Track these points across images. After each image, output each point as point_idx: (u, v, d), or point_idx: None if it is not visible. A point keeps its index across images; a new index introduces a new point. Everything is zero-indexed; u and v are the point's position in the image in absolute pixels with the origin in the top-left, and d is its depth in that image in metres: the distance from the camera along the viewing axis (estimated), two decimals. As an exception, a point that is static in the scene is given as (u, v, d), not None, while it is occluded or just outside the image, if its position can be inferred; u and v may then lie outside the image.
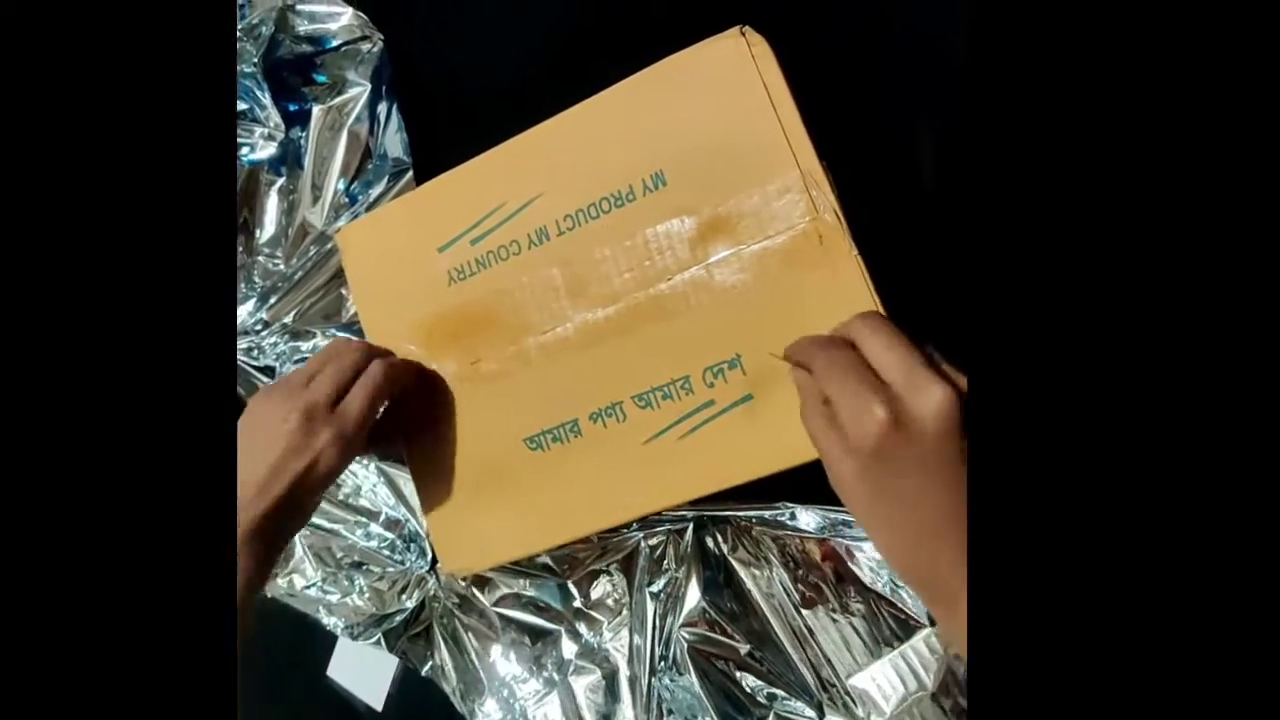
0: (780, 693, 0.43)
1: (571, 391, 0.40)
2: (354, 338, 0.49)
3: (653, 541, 0.47)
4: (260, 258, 0.57)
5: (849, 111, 0.39)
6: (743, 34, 0.37)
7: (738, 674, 0.44)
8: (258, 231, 0.57)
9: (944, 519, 0.28)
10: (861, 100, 0.42)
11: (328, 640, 0.55)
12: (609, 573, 0.49)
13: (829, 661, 0.43)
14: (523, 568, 0.49)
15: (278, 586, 0.54)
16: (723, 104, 0.38)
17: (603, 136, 0.40)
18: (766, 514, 0.44)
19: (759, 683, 0.44)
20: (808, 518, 0.44)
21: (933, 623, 0.41)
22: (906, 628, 0.42)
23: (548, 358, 0.41)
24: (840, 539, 0.44)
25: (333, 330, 0.55)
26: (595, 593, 0.49)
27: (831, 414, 0.30)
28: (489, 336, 0.42)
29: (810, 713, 0.42)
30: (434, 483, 0.43)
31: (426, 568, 0.52)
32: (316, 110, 0.56)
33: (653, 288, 0.39)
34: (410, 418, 0.44)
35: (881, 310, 0.36)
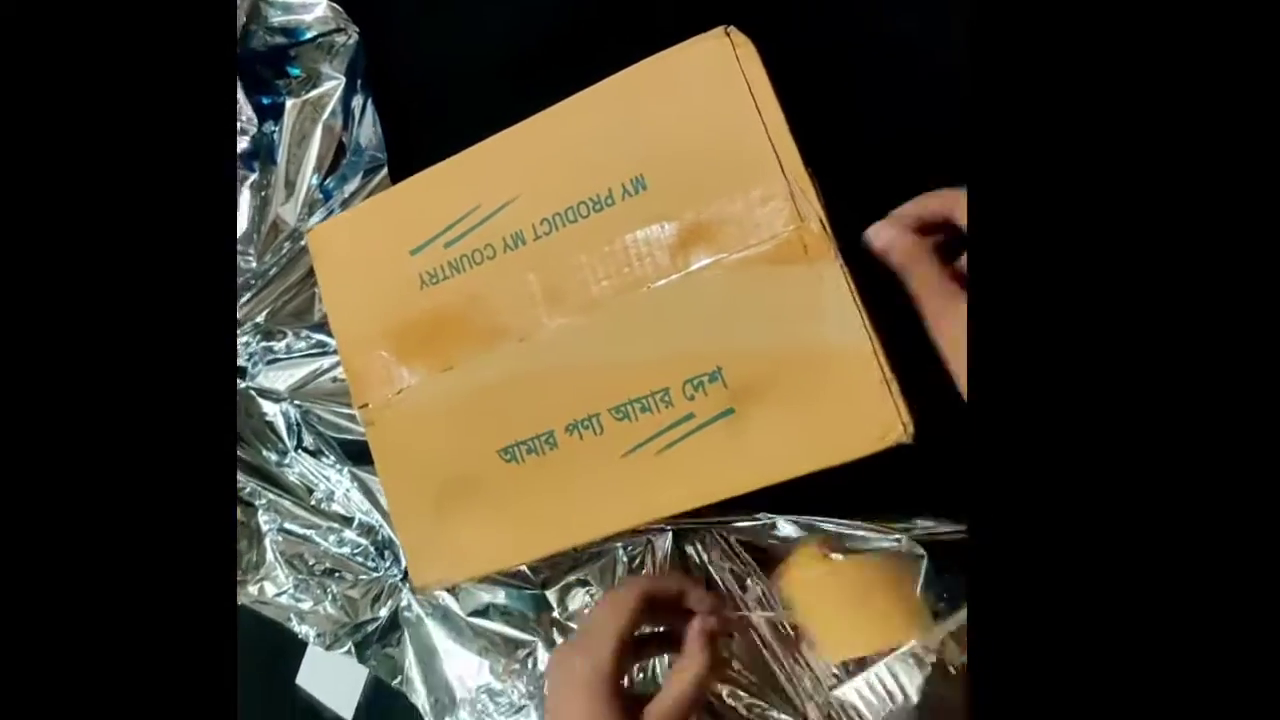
0: (762, 704, 0.42)
1: (547, 402, 0.39)
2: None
3: (631, 550, 0.46)
4: (231, 255, 0.55)
5: (835, 117, 0.38)
6: (727, 34, 0.36)
7: (718, 685, 0.43)
8: (229, 228, 0.56)
9: None
10: (848, 105, 0.41)
11: (298, 648, 0.54)
12: (587, 583, 0.48)
13: (813, 672, 0.42)
14: (498, 577, 0.48)
15: (248, 593, 0.53)
16: (706, 106, 0.37)
17: (582, 138, 0.39)
18: (745, 524, 0.43)
19: (741, 694, 0.42)
20: (788, 528, 0.43)
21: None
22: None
23: (522, 366, 0.39)
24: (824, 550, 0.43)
25: (304, 330, 0.53)
26: (573, 604, 0.48)
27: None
28: (462, 343, 0.40)
29: (793, 726, 0.41)
30: (405, 493, 0.42)
31: (400, 576, 0.51)
32: (290, 104, 0.54)
33: (631, 295, 0.38)
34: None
35: (868, 322, 0.35)
